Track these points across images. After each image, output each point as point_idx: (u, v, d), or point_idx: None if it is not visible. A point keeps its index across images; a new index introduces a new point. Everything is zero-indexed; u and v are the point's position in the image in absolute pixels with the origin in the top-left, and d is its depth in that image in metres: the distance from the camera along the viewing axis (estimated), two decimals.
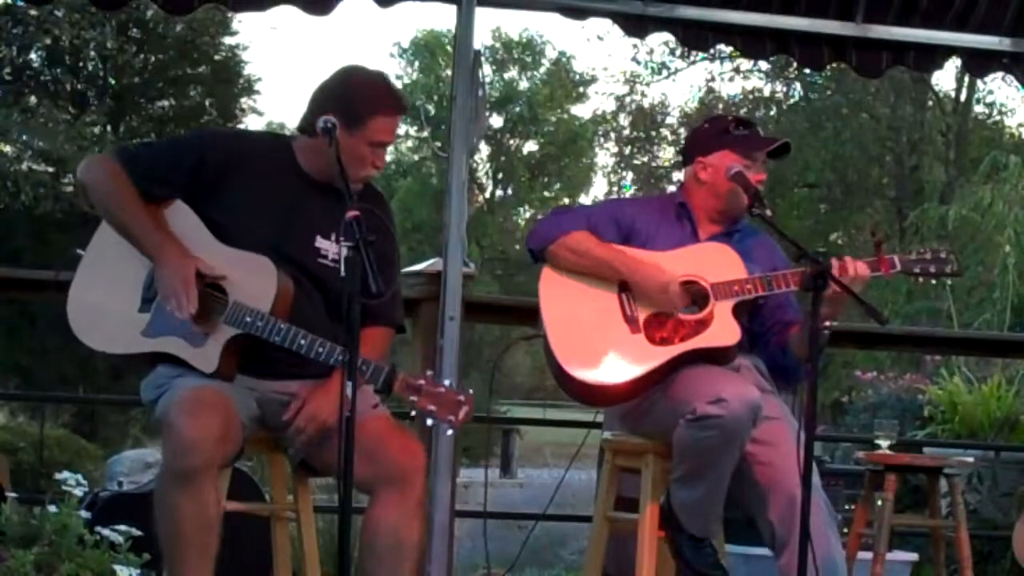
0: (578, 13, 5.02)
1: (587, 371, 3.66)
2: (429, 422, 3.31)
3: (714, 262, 3.72)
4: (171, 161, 3.53)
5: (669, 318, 3.67)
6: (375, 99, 3.49)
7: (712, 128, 3.94)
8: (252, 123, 19.92)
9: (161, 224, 3.46)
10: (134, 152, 3.61)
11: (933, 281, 3.82)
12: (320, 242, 3.52)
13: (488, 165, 37.58)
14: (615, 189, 32.03)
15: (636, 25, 4.99)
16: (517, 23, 41.91)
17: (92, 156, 3.57)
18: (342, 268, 3.07)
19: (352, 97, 3.48)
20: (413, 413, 3.34)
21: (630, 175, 30.79)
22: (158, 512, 3.30)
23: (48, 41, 19.25)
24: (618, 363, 3.65)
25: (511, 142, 37.78)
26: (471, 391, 3.30)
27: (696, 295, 3.69)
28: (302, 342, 3.35)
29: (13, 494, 4.44)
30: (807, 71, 21.81)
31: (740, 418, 3.48)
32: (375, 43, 64.20)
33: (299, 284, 3.46)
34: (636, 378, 3.64)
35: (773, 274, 3.69)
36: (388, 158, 3.61)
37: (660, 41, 24.95)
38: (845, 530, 5.14)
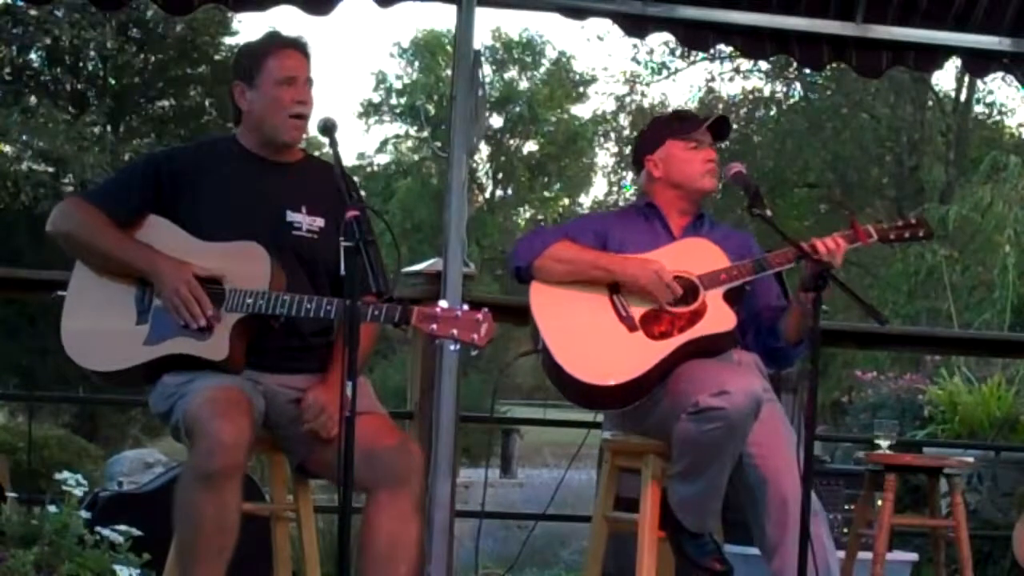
0: (578, 13, 5.02)
1: (595, 375, 3.65)
2: (453, 347, 3.34)
3: (696, 256, 3.77)
4: (133, 181, 3.58)
5: (663, 314, 3.69)
6: (263, 45, 3.58)
7: (653, 127, 4.06)
8: None
9: (143, 243, 3.50)
10: (96, 187, 3.78)
11: (914, 243, 3.95)
12: (291, 216, 3.53)
13: (488, 165, 37.60)
14: (615, 189, 32.05)
15: (636, 25, 4.99)
16: (517, 23, 42.00)
17: (57, 207, 3.61)
18: (346, 259, 3.07)
19: (244, 56, 3.63)
20: (437, 341, 3.36)
21: (630, 175, 30.79)
22: (178, 511, 3.29)
23: (48, 41, 19.27)
24: (623, 362, 3.65)
25: (511, 142, 37.79)
26: (487, 309, 3.33)
27: (685, 288, 3.71)
28: (308, 306, 3.36)
29: (13, 494, 4.44)
30: (807, 71, 21.82)
31: (743, 409, 3.49)
32: (375, 43, 64.31)
33: (284, 260, 3.47)
34: (645, 373, 3.64)
35: (764, 256, 3.75)
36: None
37: (660, 41, 24.96)
38: (845, 530, 5.14)
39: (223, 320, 3.40)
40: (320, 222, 3.54)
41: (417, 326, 3.32)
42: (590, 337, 3.70)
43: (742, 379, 3.55)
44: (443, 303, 3.37)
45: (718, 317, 3.68)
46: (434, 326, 3.31)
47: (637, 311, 3.71)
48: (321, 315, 3.37)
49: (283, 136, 3.55)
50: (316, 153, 3.71)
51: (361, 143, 64.97)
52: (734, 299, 3.74)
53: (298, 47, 3.57)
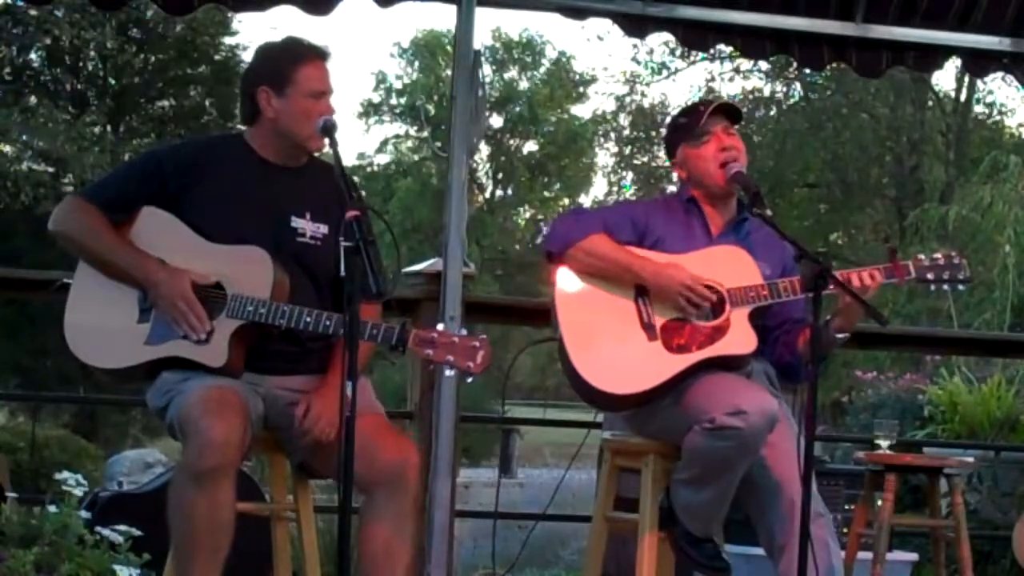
0: (578, 13, 5.02)
1: (605, 380, 3.63)
2: (449, 372, 3.35)
3: (729, 266, 3.70)
4: (135, 180, 3.55)
5: (686, 324, 3.65)
6: (294, 53, 3.53)
7: (667, 133, 4.02)
8: None
9: (141, 249, 3.47)
10: (96, 184, 3.71)
11: (945, 287, 3.80)
12: (295, 222, 3.52)
13: (488, 165, 37.59)
14: (615, 189, 32.08)
15: (636, 25, 4.99)
16: (517, 23, 41.97)
17: (58, 206, 3.59)
18: (346, 260, 3.07)
19: (272, 62, 3.55)
20: (432, 367, 3.36)
21: (630, 175, 30.82)
22: (172, 511, 3.30)
23: (48, 41, 19.26)
24: (636, 372, 3.62)
25: (511, 142, 37.79)
26: (484, 336, 3.33)
27: (712, 304, 3.66)
28: (307, 319, 3.36)
29: (13, 494, 4.44)
30: (807, 71, 21.82)
31: (758, 429, 3.47)
32: (375, 43, 64.31)
33: (286, 266, 3.45)
34: (654, 387, 3.62)
35: (781, 280, 3.68)
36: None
37: (660, 41, 25.01)
38: (845, 530, 5.14)
39: (222, 326, 3.39)
40: (324, 229, 3.53)
41: (414, 350, 3.32)
42: (609, 340, 3.66)
43: (757, 397, 3.52)
44: (440, 327, 3.37)
45: (740, 338, 3.63)
46: (430, 351, 3.31)
47: (660, 319, 3.66)
48: (320, 330, 3.36)
49: (310, 146, 3.53)
50: (316, 154, 3.68)
51: (361, 143, 64.91)
52: (758, 313, 3.68)
53: (326, 59, 3.56)
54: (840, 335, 3.62)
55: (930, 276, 3.75)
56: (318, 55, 3.54)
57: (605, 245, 3.72)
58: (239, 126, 3.68)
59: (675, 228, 3.80)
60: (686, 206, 3.86)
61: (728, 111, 3.88)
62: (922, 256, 3.79)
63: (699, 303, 3.64)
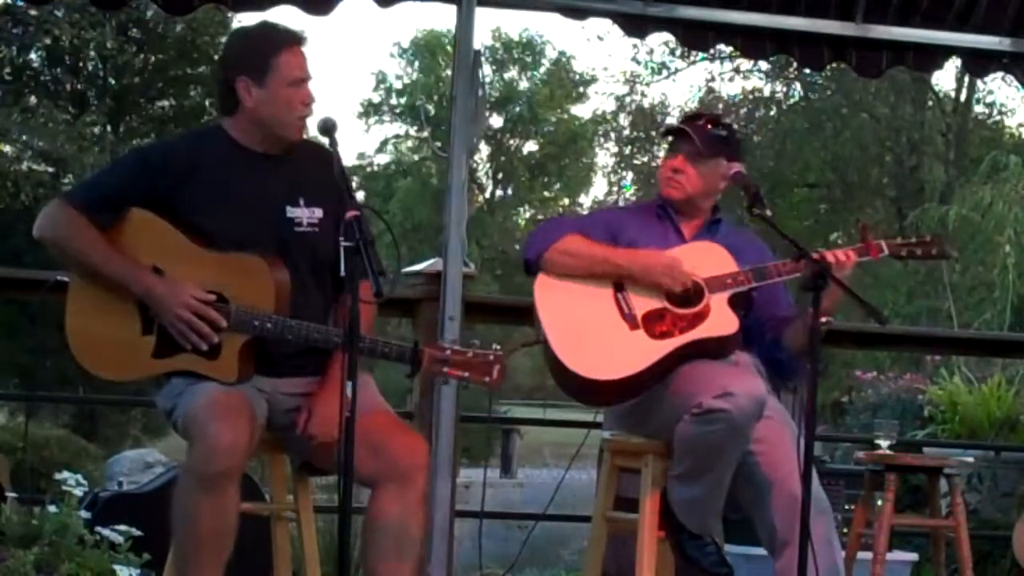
0: (578, 13, 5.02)
1: (592, 370, 3.67)
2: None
3: (705, 259, 3.77)
4: (122, 180, 3.47)
5: (666, 313, 3.70)
6: (271, 40, 3.47)
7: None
8: None
9: (134, 260, 3.41)
10: (82, 188, 3.66)
11: (927, 262, 3.91)
12: (291, 211, 3.47)
13: (488, 165, 37.60)
14: (615, 189, 32.06)
15: (636, 25, 4.99)
16: (517, 23, 42.00)
17: (44, 210, 3.49)
18: (346, 259, 3.07)
19: (249, 50, 3.49)
20: (446, 383, 3.35)
21: (630, 175, 30.80)
22: (176, 513, 3.28)
23: (48, 41, 19.29)
24: (622, 358, 3.66)
25: (511, 142, 37.80)
26: (497, 347, 3.33)
27: (691, 290, 3.71)
28: (316, 336, 3.34)
29: (13, 494, 4.44)
30: (807, 71, 21.82)
31: (746, 412, 3.50)
32: (375, 43, 64.35)
33: (288, 259, 3.42)
34: (641, 371, 3.65)
35: (765, 264, 3.75)
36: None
37: (660, 41, 24.99)
38: (845, 530, 5.14)
39: (230, 340, 3.35)
40: (319, 212, 3.48)
41: (428, 369, 3.33)
42: (590, 332, 3.71)
43: (745, 381, 3.56)
44: (452, 340, 3.36)
45: (720, 321, 3.68)
46: (445, 369, 3.32)
47: (640, 309, 3.72)
48: (329, 347, 3.35)
49: (291, 135, 3.49)
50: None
51: (361, 143, 65.01)
52: (740, 305, 3.73)
53: (303, 43, 3.51)
54: (823, 321, 3.61)
55: (903, 253, 3.83)
56: (295, 40, 3.48)
57: (581, 243, 3.80)
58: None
59: (648, 231, 3.88)
60: (658, 212, 3.94)
61: (674, 133, 3.97)
62: (896, 238, 3.90)
63: (683, 279, 3.69)
